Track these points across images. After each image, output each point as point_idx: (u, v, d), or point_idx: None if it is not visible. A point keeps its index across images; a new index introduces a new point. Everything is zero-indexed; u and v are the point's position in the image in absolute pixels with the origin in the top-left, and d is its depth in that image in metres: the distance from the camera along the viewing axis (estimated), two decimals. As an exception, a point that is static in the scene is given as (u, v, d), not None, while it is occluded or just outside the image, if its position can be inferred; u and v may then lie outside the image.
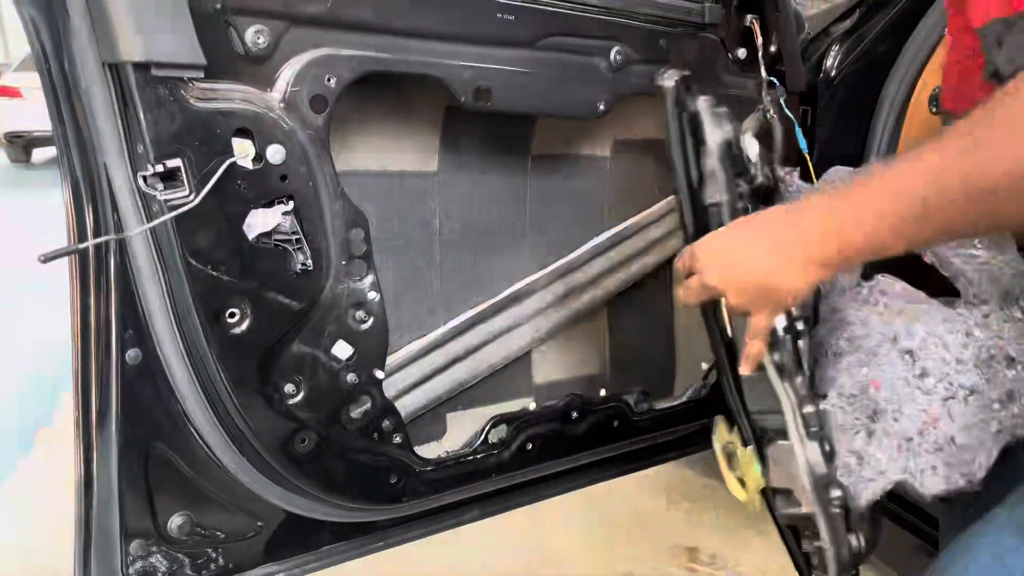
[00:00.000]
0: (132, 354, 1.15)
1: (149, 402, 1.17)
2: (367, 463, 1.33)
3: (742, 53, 1.62)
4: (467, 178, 1.54)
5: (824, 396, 1.14)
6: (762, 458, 1.18)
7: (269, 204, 1.13)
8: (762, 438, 1.19)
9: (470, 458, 1.47)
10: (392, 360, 1.44)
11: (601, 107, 1.45)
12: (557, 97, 1.40)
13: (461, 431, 1.59)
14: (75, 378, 1.15)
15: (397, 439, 1.36)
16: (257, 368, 1.17)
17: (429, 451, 1.51)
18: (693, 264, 1.04)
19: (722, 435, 1.24)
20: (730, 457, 1.23)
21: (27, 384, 3.73)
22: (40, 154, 12.74)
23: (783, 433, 1.12)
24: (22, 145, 11.83)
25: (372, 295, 1.27)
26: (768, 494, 1.19)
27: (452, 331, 1.55)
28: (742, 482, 1.20)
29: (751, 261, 0.95)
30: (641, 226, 1.78)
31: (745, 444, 1.21)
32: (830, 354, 1.18)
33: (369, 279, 1.26)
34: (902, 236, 0.79)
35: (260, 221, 1.12)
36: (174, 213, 1.03)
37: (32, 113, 10.87)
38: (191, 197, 1.04)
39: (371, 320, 1.27)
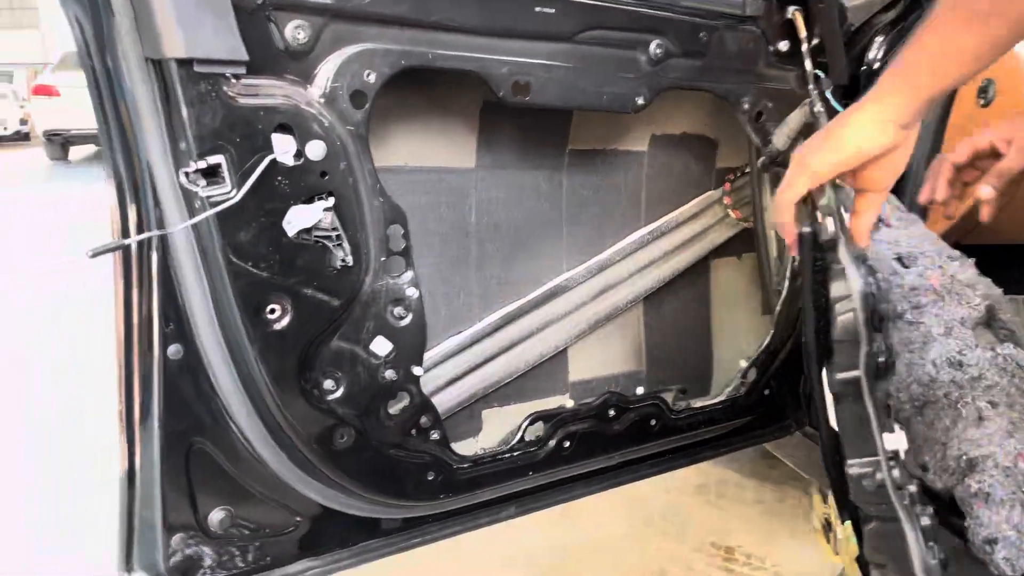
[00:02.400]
0: (174, 350, 1.16)
1: (190, 397, 1.18)
2: (405, 459, 1.33)
3: (783, 46, 1.59)
4: (504, 174, 1.53)
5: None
6: (859, 533, 1.14)
7: (309, 200, 1.13)
8: (862, 519, 1.14)
9: (507, 455, 1.46)
10: (428, 356, 1.43)
11: (640, 101, 1.43)
12: (596, 91, 1.38)
13: (497, 428, 1.59)
14: (119, 373, 1.17)
15: (435, 436, 1.36)
16: (297, 364, 1.18)
17: (465, 448, 1.51)
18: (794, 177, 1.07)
19: (818, 508, 1.22)
20: (828, 527, 1.20)
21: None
22: (78, 152, 12.98)
23: (890, 520, 1.08)
24: (60, 143, 12.08)
25: (411, 291, 1.26)
26: (863, 564, 1.16)
27: (488, 327, 1.55)
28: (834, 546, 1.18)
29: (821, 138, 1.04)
30: (678, 222, 1.76)
31: (843, 520, 1.18)
32: (969, 414, 1.14)
33: (408, 275, 1.26)
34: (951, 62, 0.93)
35: (300, 217, 1.12)
36: (216, 209, 1.03)
37: (70, 112, 11.09)
38: (232, 193, 1.04)
39: (409, 316, 1.27)
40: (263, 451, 1.23)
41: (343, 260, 1.18)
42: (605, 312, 1.69)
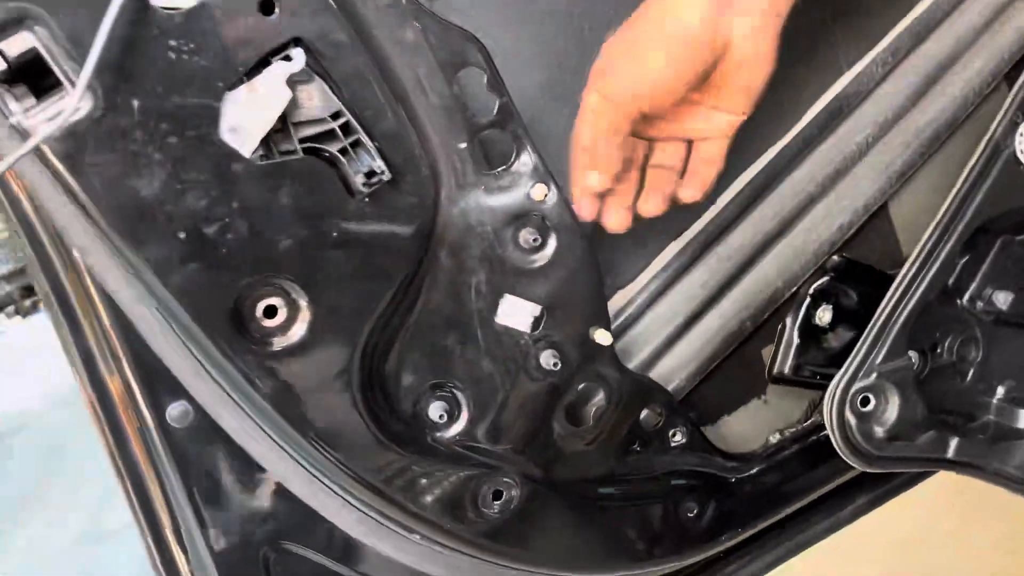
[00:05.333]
0: (178, 411, 0.64)
1: (231, 485, 0.67)
2: (634, 497, 0.72)
3: None
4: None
5: None
6: None
7: (257, 68, 0.53)
8: None
9: (814, 438, 0.79)
10: (621, 300, 0.80)
11: None
12: None
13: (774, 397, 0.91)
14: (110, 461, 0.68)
15: (677, 437, 0.73)
16: (361, 390, 0.61)
17: (738, 425, 0.86)
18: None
19: None
20: None
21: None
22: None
23: None
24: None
25: (539, 192, 0.63)
26: None
27: (728, 212, 0.86)
28: None
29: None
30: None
31: None
32: None
33: (525, 162, 0.62)
34: None
35: (246, 111, 0.53)
36: (37, 139, 0.48)
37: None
38: (75, 101, 0.48)
39: (553, 239, 0.64)
40: (372, 539, 0.69)
41: (375, 172, 0.57)
42: (945, 120, 0.90)
